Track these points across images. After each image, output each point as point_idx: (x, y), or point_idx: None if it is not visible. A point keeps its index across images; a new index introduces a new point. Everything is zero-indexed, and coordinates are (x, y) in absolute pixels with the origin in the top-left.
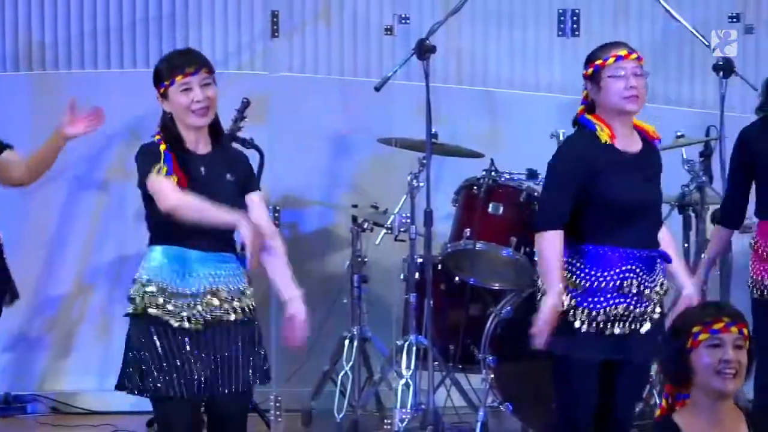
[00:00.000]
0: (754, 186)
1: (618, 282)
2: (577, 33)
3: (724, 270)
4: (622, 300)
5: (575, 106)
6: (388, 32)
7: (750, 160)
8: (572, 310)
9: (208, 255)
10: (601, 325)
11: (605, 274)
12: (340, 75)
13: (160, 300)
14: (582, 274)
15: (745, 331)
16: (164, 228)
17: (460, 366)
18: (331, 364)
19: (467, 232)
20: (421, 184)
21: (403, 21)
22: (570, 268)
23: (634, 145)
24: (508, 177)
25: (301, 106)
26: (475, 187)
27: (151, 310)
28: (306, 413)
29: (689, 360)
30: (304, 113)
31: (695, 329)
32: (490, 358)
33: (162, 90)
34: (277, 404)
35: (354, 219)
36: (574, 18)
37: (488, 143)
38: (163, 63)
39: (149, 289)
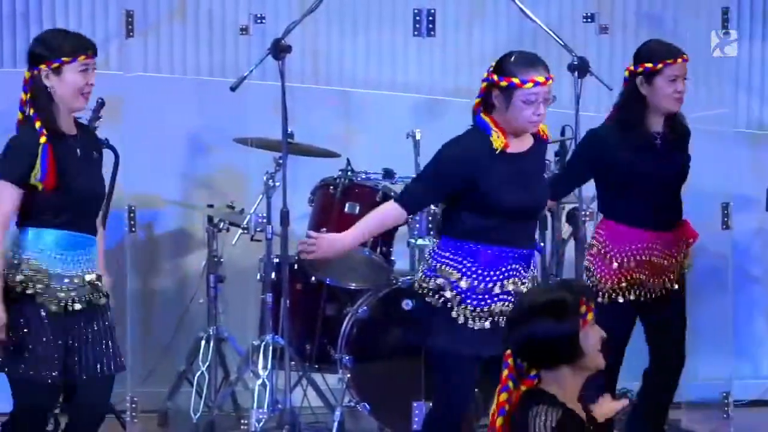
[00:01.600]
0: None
1: (503, 280)
2: (432, 33)
3: (580, 266)
4: (505, 297)
5: (431, 105)
6: (244, 32)
7: (604, 165)
8: (456, 307)
9: (84, 238)
10: (484, 322)
11: (492, 273)
12: (195, 75)
13: (38, 282)
14: (469, 273)
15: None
16: (41, 210)
17: (317, 366)
18: (187, 365)
19: (323, 231)
20: (278, 183)
21: (259, 21)
22: (456, 265)
23: (525, 146)
24: (364, 177)
25: (156, 106)
26: (331, 187)
27: (29, 292)
28: (162, 414)
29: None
30: (159, 113)
31: (582, 309)
32: (347, 357)
33: (56, 65)
34: (133, 405)
35: (210, 219)
36: (430, 18)
37: (344, 143)
38: (62, 39)
39: (26, 270)
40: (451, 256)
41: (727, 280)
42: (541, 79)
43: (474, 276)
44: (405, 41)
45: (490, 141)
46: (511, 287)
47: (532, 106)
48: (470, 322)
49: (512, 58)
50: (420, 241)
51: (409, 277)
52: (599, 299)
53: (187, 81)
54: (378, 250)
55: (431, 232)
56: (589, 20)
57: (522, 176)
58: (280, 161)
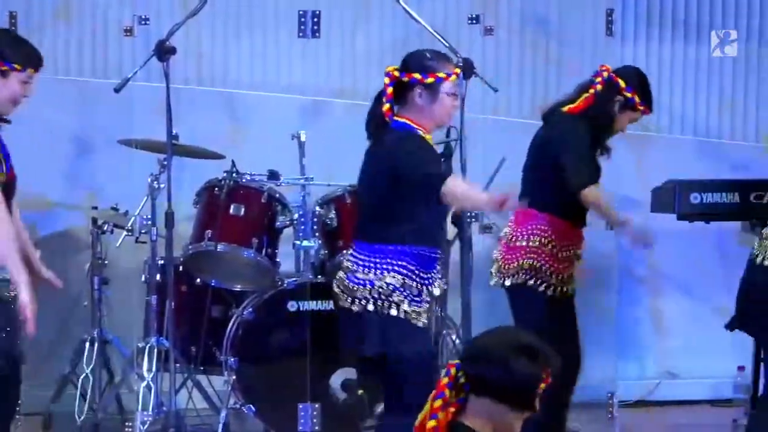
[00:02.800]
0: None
1: (432, 283)
2: (317, 34)
3: (465, 268)
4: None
5: (316, 106)
6: (128, 33)
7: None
8: (412, 312)
9: None
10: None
11: (429, 274)
12: (79, 76)
13: None
14: (414, 276)
15: None
16: None
17: (202, 368)
18: (71, 367)
19: (209, 233)
20: (162, 185)
21: (143, 22)
22: (401, 270)
23: None
24: (249, 178)
25: (39, 108)
26: (216, 189)
27: None
28: (46, 417)
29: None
30: (43, 114)
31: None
32: (232, 359)
33: (5, 68)
34: (17, 407)
35: (94, 221)
36: (315, 19)
37: (229, 144)
38: (23, 47)
39: None
40: (398, 261)
41: (611, 280)
42: (458, 70)
43: (420, 280)
44: (290, 43)
45: (427, 141)
46: (437, 290)
47: (453, 98)
48: (421, 323)
49: (428, 55)
50: (305, 243)
51: (294, 279)
52: (549, 293)
53: (70, 82)
54: (263, 251)
55: (316, 234)
56: (474, 22)
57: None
58: (165, 163)
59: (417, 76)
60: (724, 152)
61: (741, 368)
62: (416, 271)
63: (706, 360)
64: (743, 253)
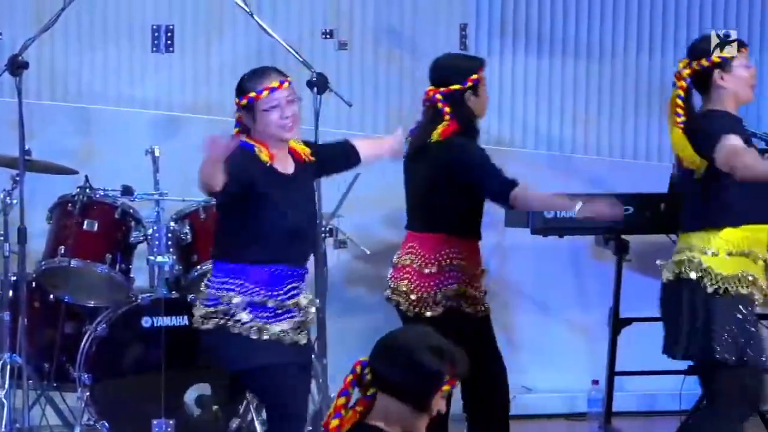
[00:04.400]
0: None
1: (284, 298)
2: (171, 49)
3: (320, 283)
4: (286, 315)
5: (170, 122)
6: None
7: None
8: (255, 328)
9: None
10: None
11: (277, 291)
12: None
13: None
14: (258, 293)
15: None
16: None
17: (56, 384)
18: None
19: (62, 249)
20: (15, 201)
21: None
22: (241, 288)
23: (290, 167)
24: (102, 193)
25: None
26: (69, 204)
27: None
28: None
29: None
30: None
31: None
32: (86, 375)
33: None
34: None
35: None
36: (168, 34)
37: (83, 160)
38: None
39: None
40: (228, 278)
41: None
42: (275, 84)
43: (263, 295)
44: (143, 57)
45: (258, 158)
46: (291, 304)
47: (276, 111)
48: (268, 335)
49: (245, 77)
50: (160, 258)
51: (148, 295)
52: (468, 310)
53: None
54: (117, 267)
55: (171, 249)
56: (328, 36)
57: (294, 194)
58: (17, 178)
59: (237, 101)
60: (577, 166)
61: (595, 382)
62: (259, 289)
63: (561, 374)
64: (596, 267)
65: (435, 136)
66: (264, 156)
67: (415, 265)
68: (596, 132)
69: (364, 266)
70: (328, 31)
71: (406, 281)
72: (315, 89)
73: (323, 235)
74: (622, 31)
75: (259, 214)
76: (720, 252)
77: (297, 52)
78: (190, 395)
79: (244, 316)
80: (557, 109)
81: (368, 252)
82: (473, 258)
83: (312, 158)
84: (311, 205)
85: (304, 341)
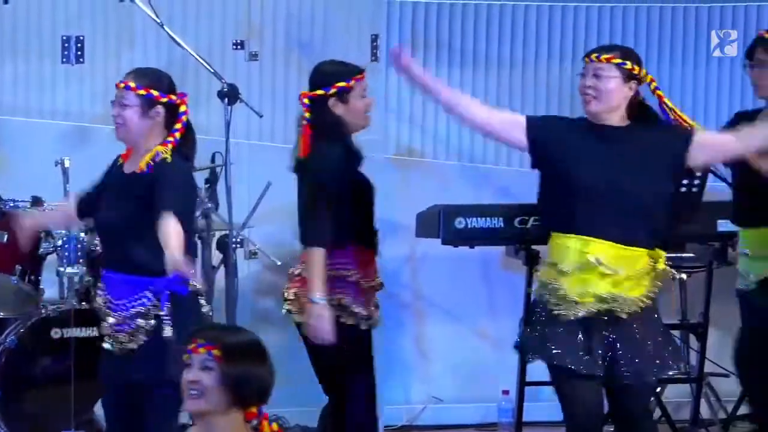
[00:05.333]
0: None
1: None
2: (81, 60)
3: (230, 294)
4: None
5: (80, 133)
6: None
7: None
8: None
9: None
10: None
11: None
12: None
13: None
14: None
15: (215, 352)
16: None
17: None
18: None
19: None
20: None
21: None
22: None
23: (135, 167)
24: (12, 204)
25: None
26: None
27: None
28: None
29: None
30: None
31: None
32: None
33: None
34: None
35: None
36: (78, 45)
37: None
38: None
39: None
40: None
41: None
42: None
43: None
44: (53, 68)
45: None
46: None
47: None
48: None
49: None
50: (69, 270)
51: (58, 306)
52: (350, 322)
53: None
54: (26, 278)
55: (81, 261)
56: (238, 47)
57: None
58: None
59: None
60: (488, 177)
61: (506, 392)
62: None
63: (471, 384)
64: (507, 277)
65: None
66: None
67: (304, 275)
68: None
69: (275, 277)
70: (238, 42)
71: (293, 290)
72: (226, 100)
73: (234, 245)
74: (532, 42)
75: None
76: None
77: (208, 63)
78: (100, 407)
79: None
80: None
81: (279, 263)
82: (360, 269)
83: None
84: (119, 213)
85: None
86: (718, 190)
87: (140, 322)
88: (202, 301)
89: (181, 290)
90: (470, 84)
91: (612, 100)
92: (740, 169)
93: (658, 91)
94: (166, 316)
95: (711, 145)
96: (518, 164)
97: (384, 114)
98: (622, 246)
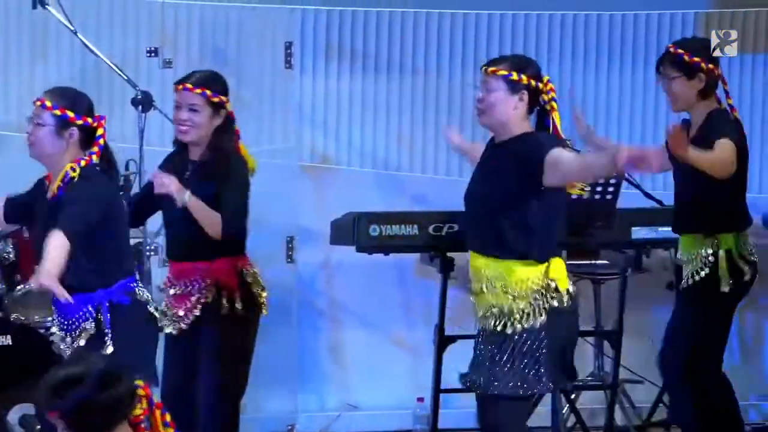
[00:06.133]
0: None
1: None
2: None
3: None
4: None
5: None
6: None
7: None
8: None
9: None
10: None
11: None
12: None
13: None
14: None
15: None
16: None
17: None
18: None
19: None
20: None
21: None
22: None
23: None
24: None
25: None
26: None
27: None
28: None
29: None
30: None
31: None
32: None
33: None
34: None
35: None
36: None
37: None
38: None
39: None
40: None
41: (291, 313)
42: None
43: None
44: None
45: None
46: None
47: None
48: None
49: None
50: None
51: None
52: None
53: None
54: None
55: None
56: (152, 54)
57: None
58: None
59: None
60: (402, 184)
61: (420, 399)
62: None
63: (386, 391)
64: (422, 284)
65: None
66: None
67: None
68: (421, 150)
69: None
70: (152, 49)
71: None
72: (140, 107)
73: (148, 253)
74: (446, 51)
75: None
76: None
77: (121, 71)
78: (13, 416)
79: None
80: (382, 128)
81: None
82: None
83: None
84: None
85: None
86: (632, 198)
87: (83, 339)
88: (151, 309)
89: (123, 300)
90: (384, 92)
91: (497, 114)
92: (676, 177)
93: (553, 103)
94: (108, 330)
95: (554, 166)
96: (432, 172)
97: (298, 122)
98: (482, 257)
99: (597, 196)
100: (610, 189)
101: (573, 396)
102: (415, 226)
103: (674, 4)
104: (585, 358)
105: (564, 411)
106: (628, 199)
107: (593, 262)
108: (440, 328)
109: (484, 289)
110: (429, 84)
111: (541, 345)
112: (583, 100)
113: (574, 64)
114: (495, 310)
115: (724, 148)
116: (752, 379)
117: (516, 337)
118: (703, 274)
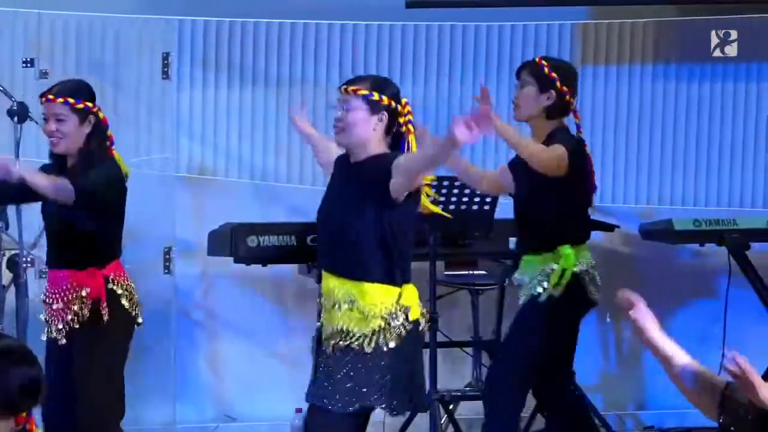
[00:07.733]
0: None
1: None
2: None
3: (21, 315)
4: None
5: None
6: None
7: None
8: None
9: None
10: None
11: None
12: None
13: None
14: None
15: None
16: None
17: None
18: None
19: None
20: None
21: None
22: None
23: None
24: None
25: None
26: None
27: None
28: None
29: None
30: None
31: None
32: None
33: None
34: None
35: None
36: None
37: None
38: None
39: None
40: None
41: (169, 325)
42: None
43: None
44: None
45: None
46: None
47: None
48: None
49: None
50: None
51: None
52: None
53: None
54: None
55: None
56: (28, 65)
57: None
58: None
59: None
60: (279, 195)
61: (299, 410)
62: None
63: (265, 402)
64: (300, 295)
65: None
66: None
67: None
68: (299, 161)
69: None
70: (28, 60)
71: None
72: (15, 118)
73: (24, 265)
74: (323, 61)
75: None
76: None
77: None
78: None
79: None
80: (260, 139)
81: None
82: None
83: None
84: None
85: None
86: (510, 208)
87: None
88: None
89: None
90: (262, 103)
91: (356, 133)
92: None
93: (410, 126)
94: None
95: (397, 167)
96: (311, 182)
97: (176, 132)
98: (334, 276)
99: (475, 207)
100: (488, 199)
101: (451, 407)
102: (293, 237)
103: (552, 16)
104: (463, 367)
105: (442, 421)
106: (506, 209)
107: (471, 272)
108: (318, 338)
109: (335, 309)
110: (306, 95)
111: (384, 367)
112: (459, 111)
113: (451, 74)
114: (343, 328)
115: (555, 147)
116: (631, 389)
117: (359, 356)
118: (540, 289)
